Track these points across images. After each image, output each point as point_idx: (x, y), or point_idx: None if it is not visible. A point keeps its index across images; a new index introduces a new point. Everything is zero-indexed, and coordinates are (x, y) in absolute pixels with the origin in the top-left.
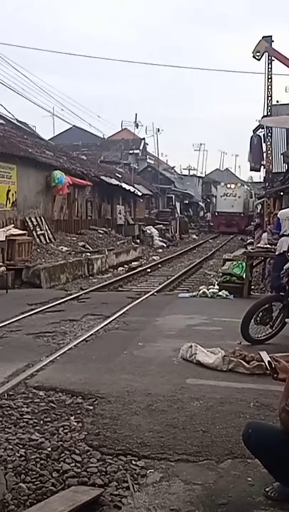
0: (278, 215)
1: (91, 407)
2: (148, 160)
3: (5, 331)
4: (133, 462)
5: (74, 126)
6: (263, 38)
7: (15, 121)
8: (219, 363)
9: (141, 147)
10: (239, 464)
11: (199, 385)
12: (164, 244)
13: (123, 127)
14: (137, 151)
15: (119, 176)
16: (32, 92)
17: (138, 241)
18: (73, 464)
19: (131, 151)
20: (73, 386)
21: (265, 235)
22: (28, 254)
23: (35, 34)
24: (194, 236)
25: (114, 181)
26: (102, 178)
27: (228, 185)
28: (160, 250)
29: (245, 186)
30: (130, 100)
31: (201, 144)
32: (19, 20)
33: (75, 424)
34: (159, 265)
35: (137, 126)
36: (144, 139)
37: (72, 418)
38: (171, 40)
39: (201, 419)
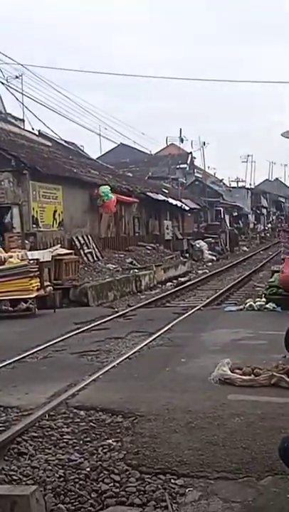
0: None
1: (130, 426)
2: (196, 174)
3: (50, 351)
4: (172, 481)
5: (121, 143)
6: None
7: (63, 143)
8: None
9: (188, 161)
10: (279, 481)
11: (240, 400)
12: (214, 258)
13: (169, 142)
14: (184, 166)
15: (166, 192)
16: (75, 113)
17: (187, 255)
18: (112, 484)
19: (178, 166)
20: (113, 405)
21: None
22: (76, 273)
23: (86, 56)
24: (245, 248)
25: (161, 197)
26: (148, 194)
27: None
28: (210, 264)
29: None
30: (172, 115)
31: (248, 156)
32: (66, 42)
33: (114, 443)
34: (208, 279)
35: (182, 141)
36: (190, 153)
37: (111, 437)
38: (214, 52)
39: (241, 435)
